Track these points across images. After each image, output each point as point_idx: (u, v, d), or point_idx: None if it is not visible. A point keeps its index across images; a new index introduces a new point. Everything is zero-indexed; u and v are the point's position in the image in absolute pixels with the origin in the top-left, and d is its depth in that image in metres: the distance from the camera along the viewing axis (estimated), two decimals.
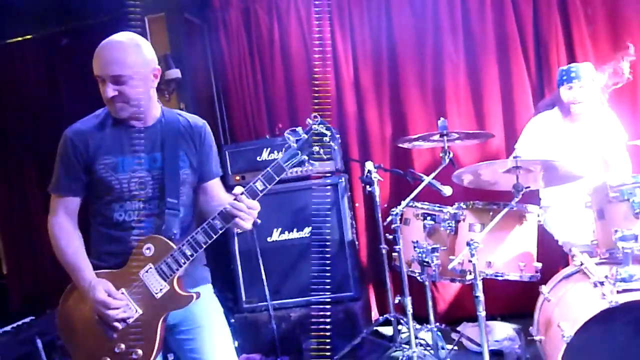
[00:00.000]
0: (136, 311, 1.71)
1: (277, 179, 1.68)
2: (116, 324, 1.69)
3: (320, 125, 1.66)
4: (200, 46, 4.00)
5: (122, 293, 1.72)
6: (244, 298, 3.40)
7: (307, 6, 3.78)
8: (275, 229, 3.37)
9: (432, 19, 3.64)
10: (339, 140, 3.52)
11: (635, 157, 3.05)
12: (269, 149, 3.43)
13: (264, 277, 3.13)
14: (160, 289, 1.72)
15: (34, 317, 2.49)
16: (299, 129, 1.68)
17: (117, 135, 1.77)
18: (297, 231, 3.36)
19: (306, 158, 1.67)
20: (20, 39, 4.20)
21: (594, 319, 2.00)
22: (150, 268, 1.72)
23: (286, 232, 3.37)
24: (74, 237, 1.79)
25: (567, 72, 2.94)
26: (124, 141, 1.76)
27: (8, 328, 2.39)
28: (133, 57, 1.70)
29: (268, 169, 1.67)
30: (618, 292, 2.04)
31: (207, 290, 1.90)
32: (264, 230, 3.33)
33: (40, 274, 4.22)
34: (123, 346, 1.70)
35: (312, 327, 3.04)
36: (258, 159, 3.42)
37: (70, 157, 1.76)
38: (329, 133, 1.66)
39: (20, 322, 2.45)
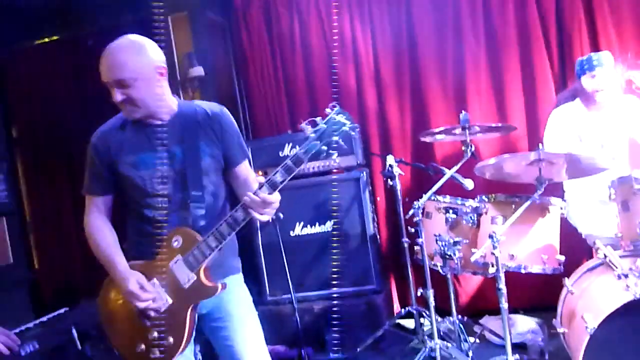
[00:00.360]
0: (166, 301, 1.78)
1: (297, 169, 1.65)
2: (147, 313, 1.76)
3: (339, 115, 1.63)
4: (222, 44, 4.07)
5: (153, 284, 1.78)
6: (267, 291, 3.47)
7: (327, 2, 3.80)
8: (298, 223, 3.43)
9: (453, 11, 3.63)
10: (359, 129, 3.50)
11: None
12: (290, 144, 3.48)
13: (287, 270, 3.18)
14: (188, 279, 1.76)
15: (68, 309, 2.59)
16: (318, 119, 1.65)
17: (136, 133, 1.82)
18: (320, 225, 3.41)
19: (325, 148, 1.63)
20: (47, 40, 4.32)
21: (618, 311, 2.00)
22: (179, 259, 1.77)
23: (309, 226, 3.42)
24: (106, 233, 1.86)
25: (589, 61, 2.92)
26: (142, 139, 1.81)
27: (44, 319, 2.49)
28: (134, 59, 1.71)
29: (287, 160, 1.65)
30: None
31: (237, 280, 1.95)
32: (287, 224, 3.38)
33: (70, 268, 4.36)
34: (155, 334, 1.77)
35: (334, 319, 3.08)
36: (280, 154, 3.47)
37: (95, 160, 1.84)
38: (348, 122, 1.62)
39: (55, 313, 2.55)
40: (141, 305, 1.74)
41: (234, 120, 1.92)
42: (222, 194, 1.92)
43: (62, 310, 2.57)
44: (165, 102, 1.83)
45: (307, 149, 1.63)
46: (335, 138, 1.62)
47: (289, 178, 1.66)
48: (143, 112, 1.78)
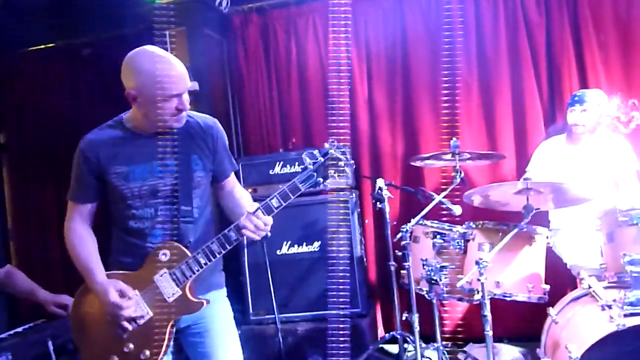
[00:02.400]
0: (147, 313, 1.76)
1: (292, 197, 1.75)
2: (126, 323, 1.73)
3: (337, 150, 1.73)
4: (218, 61, 4.09)
5: (135, 294, 1.76)
6: (251, 310, 3.41)
7: (325, 25, 3.86)
8: (285, 242, 3.40)
9: (446, 39, 3.70)
10: (353, 163, 3.57)
11: None
12: (281, 162, 3.47)
13: (272, 289, 3.15)
14: (173, 294, 1.76)
15: (45, 320, 2.52)
16: (316, 152, 1.75)
17: (128, 144, 1.80)
18: (307, 245, 3.39)
19: (321, 180, 1.74)
20: (43, 46, 4.32)
21: (602, 341, 2.01)
22: (165, 273, 1.77)
23: (296, 246, 3.40)
24: (87, 241, 1.84)
25: (573, 97, 3.06)
26: (134, 150, 1.80)
27: (20, 329, 2.42)
28: None
29: (285, 187, 1.74)
30: (626, 315, 2.05)
31: (220, 295, 1.94)
32: (274, 243, 3.36)
33: (51, 280, 4.26)
34: (131, 346, 1.75)
35: (323, 341, 3.04)
36: (271, 172, 3.46)
37: (82, 168, 1.81)
38: (344, 158, 1.73)
39: (31, 324, 2.48)
40: (123, 314, 1.71)
41: (224, 133, 1.95)
42: (209, 207, 1.93)
43: (38, 322, 2.50)
44: None
45: (304, 179, 1.74)
46: (331, 172, 1.73)
47: (284, 205, 1.76)
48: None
